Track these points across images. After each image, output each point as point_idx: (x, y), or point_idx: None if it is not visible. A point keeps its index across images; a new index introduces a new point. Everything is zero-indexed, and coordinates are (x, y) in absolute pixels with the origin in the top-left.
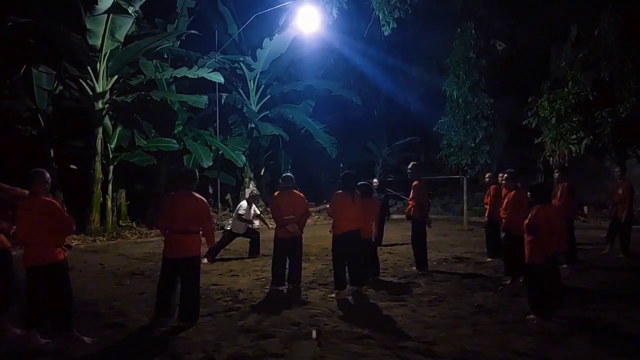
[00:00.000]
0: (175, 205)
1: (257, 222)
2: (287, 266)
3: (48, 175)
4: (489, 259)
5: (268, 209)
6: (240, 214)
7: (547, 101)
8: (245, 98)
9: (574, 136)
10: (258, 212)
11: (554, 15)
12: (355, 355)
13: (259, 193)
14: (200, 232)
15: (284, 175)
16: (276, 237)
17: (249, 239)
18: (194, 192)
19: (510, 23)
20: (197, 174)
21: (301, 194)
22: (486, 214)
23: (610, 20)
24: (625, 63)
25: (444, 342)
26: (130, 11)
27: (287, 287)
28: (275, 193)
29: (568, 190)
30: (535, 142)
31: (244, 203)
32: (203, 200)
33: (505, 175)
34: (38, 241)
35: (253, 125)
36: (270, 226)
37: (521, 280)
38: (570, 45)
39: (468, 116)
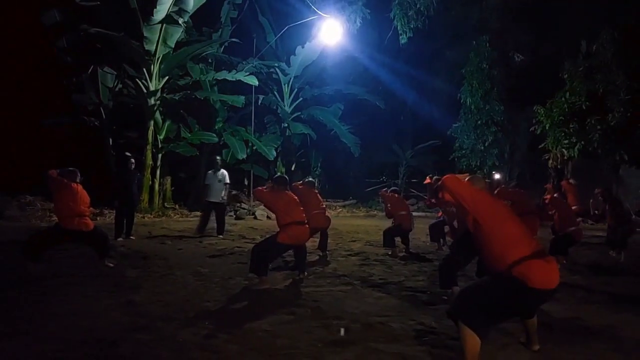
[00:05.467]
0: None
1: (223, 193)
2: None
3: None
4: None
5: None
6: (206, 184)
7: (543, 109)
8: (280, 100)
9: (566, 141)
10: (227, 181)
11: (566, 30)
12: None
13: (219, 158)
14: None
15: (275, 176)
16: (280, 242)
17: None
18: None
19: (523, 37)
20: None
21: (293, 196)
22: None
23: (608, 36)
24: (618, 76)
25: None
26: (180, 22)
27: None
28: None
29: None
30: (540, 147)
31: (208, 173)
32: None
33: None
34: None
35: (286, 125)
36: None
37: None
38: (582, 58)
39: (479, 121)
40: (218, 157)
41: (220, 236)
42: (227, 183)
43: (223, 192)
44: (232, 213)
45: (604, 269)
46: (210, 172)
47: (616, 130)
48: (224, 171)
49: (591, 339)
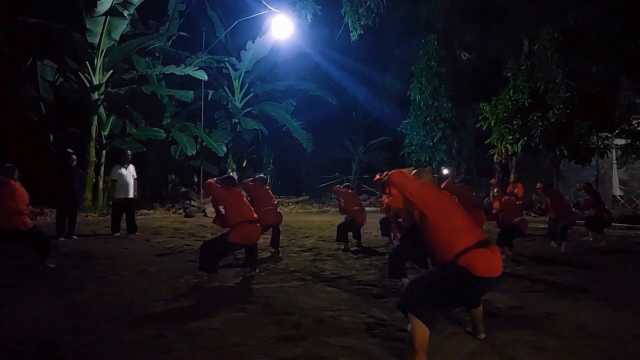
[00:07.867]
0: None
1: (136, 189)
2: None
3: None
4: None
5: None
6: (114, 180)
7: (488, 106)
8: (230, 95)
9: (510, 137)
10: (136, 176)
11: (509, 30)
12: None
13: (129, 152)
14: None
15: (222, 177)
16: (230, 241)
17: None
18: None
19: (469, 36)
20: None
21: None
22: None
23: (549, 36)
24: (558, 74)
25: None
26: (125, 14)
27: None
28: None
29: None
30: (485, 142)
31: (115, 167)
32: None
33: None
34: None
35: (236, 121)
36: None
37: None
38: (524, 57)
39: (428, 118)
40: (129, 151)
41: (138, 233)
42: (137, 178)
43: (135, 188)
44: (181, 210)
45: (546, 259)
46: (118, 166)
47: (556, 127)
48: (132, 166)
49: (534, 326)
